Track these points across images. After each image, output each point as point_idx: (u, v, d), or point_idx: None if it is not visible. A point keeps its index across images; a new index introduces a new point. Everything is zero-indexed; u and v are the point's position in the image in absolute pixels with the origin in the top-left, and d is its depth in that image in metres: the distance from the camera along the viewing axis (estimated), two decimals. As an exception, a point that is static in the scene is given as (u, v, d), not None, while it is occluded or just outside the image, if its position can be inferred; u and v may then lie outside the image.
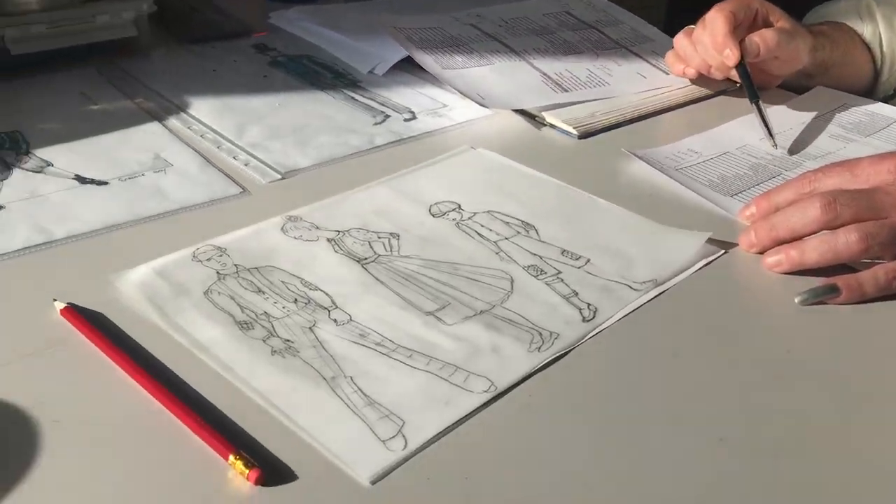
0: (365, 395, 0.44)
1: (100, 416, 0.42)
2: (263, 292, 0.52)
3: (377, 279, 0.54)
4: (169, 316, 0.49)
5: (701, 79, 0.84)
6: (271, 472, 0.39)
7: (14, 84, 0.79)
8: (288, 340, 0.48)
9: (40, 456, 0.39)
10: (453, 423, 0.43)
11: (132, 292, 0.51)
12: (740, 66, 0.77)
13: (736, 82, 0.86)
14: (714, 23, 0.77)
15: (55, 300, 0.49)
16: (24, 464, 0.39)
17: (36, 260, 0.54)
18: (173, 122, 0.73)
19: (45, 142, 0.68)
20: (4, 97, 0.76)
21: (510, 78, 0.82)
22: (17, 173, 0.64)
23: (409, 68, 0.87)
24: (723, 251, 0.59)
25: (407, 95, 0.82)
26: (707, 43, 0.78)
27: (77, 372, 0.45)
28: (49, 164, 0.65)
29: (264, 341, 0.48)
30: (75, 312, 0.48)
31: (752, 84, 0.78)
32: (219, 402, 0.43)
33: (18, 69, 0.80)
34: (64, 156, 0.67)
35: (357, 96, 0.81)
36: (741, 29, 0.78)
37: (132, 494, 0.38)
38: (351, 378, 0.45)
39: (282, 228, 0.59)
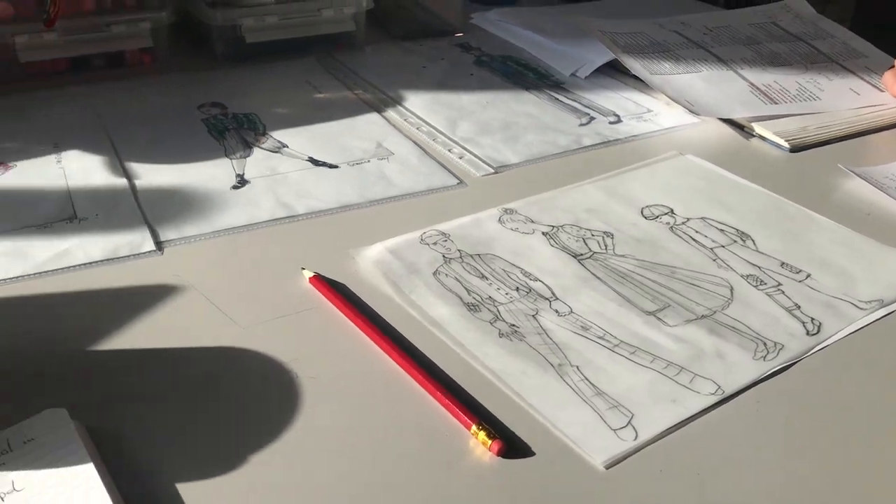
0: (592, 384, 0.46)
1: (350, 377, 0.46)
2: (486, 278, 0.55)
3: (594, 275, 0.55)
4: (403, 291, 0.52)
5: (922, 99, 0.81)
6: (509, 445, 0.41)
7: (247, 71, 0.86)
8: (513, 325, 0.50)
9: (301, 407, 0.44)
10: (681, 421, 0.44)
11: (370, 267, 0.55)
12: None
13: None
14: None
15: (303, 269, 0.54)
16: (288, 414, 0.43)
17: (281, 231, 0.59)
18: (391, 113, 0.78)
19: (277, 125, 0.74)
20: (240, 82, 0.83)
21: (718, 87, 0.81)
22: (257, 152, 0.70)
23: (610, 72, 0.88)
24: (953, 277, 0.57)
25: (610, 99, 0.83)
26: None
27: (326, 335, 0.49)
28: (284, 145, 0.71)
29: (491, 324, 0.50)
30: (322, 281, 0.52)
31: None
32: (453, 375, 0.46)
33: (251, 58, 0.87)
34: (295, 138, 0.72)
35: (561, 97, 0.83)
36: None
37: (383, 451, 0.41)
38: (577, 367, 0.47)
39: (499, 220, 0.61)
